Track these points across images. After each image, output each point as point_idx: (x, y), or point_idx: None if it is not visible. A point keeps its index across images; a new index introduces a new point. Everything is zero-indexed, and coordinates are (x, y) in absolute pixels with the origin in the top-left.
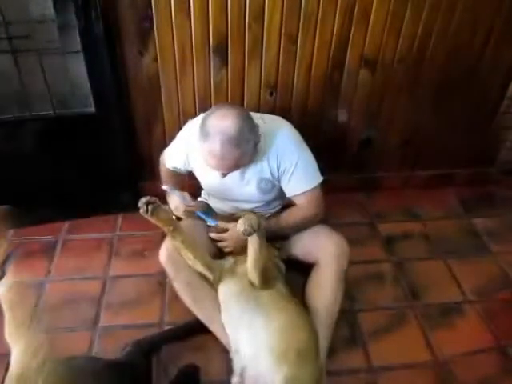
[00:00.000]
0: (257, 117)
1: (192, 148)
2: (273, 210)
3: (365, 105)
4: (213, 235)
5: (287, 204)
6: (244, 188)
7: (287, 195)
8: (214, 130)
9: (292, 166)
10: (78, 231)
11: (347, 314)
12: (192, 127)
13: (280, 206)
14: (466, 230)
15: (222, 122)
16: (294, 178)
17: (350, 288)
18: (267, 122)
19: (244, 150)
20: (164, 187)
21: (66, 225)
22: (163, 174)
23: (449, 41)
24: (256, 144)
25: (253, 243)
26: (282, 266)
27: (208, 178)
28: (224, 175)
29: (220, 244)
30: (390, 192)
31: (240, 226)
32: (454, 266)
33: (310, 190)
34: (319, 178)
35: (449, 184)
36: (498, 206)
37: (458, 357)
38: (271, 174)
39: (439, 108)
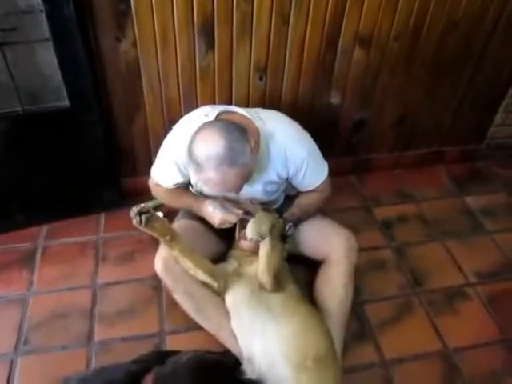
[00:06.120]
0: (254, 115)
1: (184, 163)
2: (276, 205)
3: (359, 85)
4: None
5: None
6: (249, 193)
7: (302, 190)
8: (202, 159)
9: (304, 165)
10: (59, 236)
11: (354, 307)
12: (175, 145)
13: (283, 199)
14: (460, 209)
15: (206, 146)
16: (307, 175)
17: (354, 278)
18: (266, 122)
19: (243, 162)
20: (210, 209)
21: (43, 229)
22: (168, 196)
23: (445, 18)
24: (252, 148)
25: (264, 245)
26: (286, 264)
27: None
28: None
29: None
30: (381, 173)
31: (248, 232)
32: (453, 247)
33: (323, 179)
34: (326, 163)
35: (439, 162)
36: (488, 183)
37: (463, 350)
38: (278, 177)
39: (433, 86)
